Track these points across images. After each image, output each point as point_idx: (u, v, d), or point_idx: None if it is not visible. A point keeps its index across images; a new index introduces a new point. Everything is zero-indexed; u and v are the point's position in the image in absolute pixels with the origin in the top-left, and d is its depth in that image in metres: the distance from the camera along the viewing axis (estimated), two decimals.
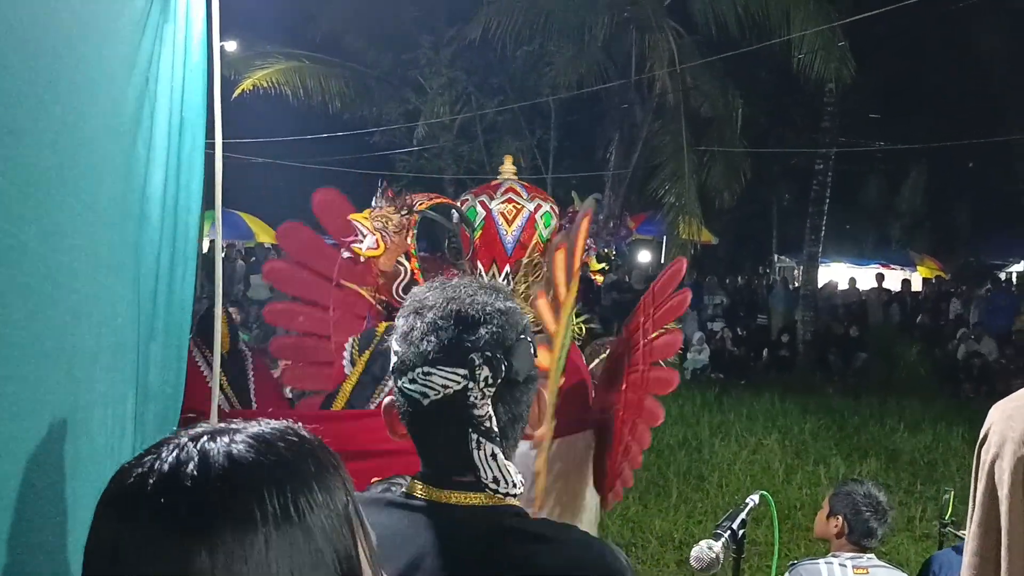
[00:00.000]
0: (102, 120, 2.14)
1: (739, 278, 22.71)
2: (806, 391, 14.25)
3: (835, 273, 22.74)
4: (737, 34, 14.82)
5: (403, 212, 3.92)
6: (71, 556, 2.07)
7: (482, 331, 1.35)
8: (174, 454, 0.84)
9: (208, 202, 3.01)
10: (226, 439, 0.86)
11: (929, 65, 19.52)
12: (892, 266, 23.91)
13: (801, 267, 18.74)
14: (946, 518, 4.06)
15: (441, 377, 1.33)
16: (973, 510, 1.14)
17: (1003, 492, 1.07)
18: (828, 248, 20.01)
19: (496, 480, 1.35)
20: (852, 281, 20.85)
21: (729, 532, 2.73)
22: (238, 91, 17.16)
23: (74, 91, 1.96)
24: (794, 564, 3.55)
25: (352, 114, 19.24)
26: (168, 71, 2.62)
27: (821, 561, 3.48)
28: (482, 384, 1.32)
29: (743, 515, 2.82)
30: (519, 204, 4.15)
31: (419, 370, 1.34)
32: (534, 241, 4.21)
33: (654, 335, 3.88)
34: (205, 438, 0.86)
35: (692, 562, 2.61)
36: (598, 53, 16.48)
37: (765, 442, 10.38)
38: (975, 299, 18.55)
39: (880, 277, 20.36)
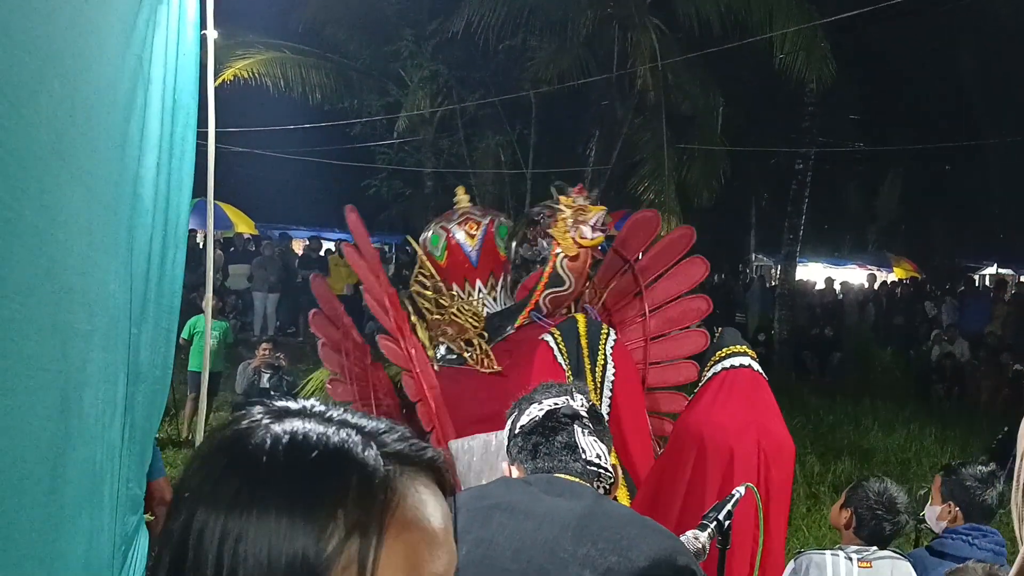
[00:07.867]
0: (98, 97, 2.11)
1: (716, 276, 22.77)
2: (782, 390, 14.20)
3: (812, 272, 22.89)
4: (719, 32, 14.83)
5: None
6: (60, 533, 2.05)
7: None
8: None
9: (197, 190, 2.99)
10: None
11: (909, 68, 19.67)
12: (868, 266, 24.09)
13: (779, 266, 18.83)
14: (920, 515, 4.06)
15: None
16: None
17: None
18: (806, 248, 20.09)
19: None
20: (829, 281, 20.99)
21: (715, 523, 2.73)
22: (219, 81, 17.00)
23: (73, 66, 1.93)
24: (800, 553, 3.55)
25: (332, 105, 19.10)
26: (161, 52, 2.59)
27: (828, 552, 3.47)
28: None
29: (729, 506, 2.81)
30: (476, 220, 4.33)
31: None
32: (499, 253, 4.39)
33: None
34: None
35: None
36: (580, 49, 16.43)
37: None
38: (948, 301, 18.73)
39: (861, 277, 20.53)
